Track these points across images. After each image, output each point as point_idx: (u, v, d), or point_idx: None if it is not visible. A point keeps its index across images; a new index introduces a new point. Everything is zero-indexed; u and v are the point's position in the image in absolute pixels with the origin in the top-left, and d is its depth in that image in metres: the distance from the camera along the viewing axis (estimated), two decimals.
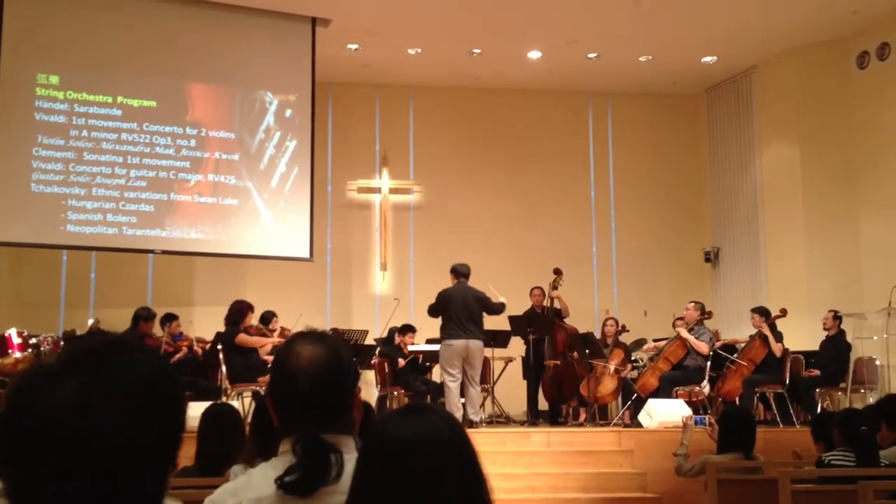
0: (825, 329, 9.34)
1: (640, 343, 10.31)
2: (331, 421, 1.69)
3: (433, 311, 8.55)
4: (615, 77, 12.03)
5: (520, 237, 12.12)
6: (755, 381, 8.81)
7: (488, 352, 9.30)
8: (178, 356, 8.63)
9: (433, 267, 11.23)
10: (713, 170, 12.51)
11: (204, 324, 9.36)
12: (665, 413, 8.07)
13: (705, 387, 8.86)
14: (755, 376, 8.85)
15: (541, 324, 9.61)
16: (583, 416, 9.59)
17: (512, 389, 10.22)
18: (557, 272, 9.68)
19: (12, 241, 9.32)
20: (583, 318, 10.83)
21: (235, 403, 6.92)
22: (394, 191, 12.15)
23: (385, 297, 11.74)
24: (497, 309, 8.69)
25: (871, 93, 10.54)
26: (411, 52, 11.09)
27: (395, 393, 9.38)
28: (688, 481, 5.75)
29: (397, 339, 9.79)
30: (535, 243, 12.01)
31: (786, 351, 8.94)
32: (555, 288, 9.70)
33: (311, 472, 1.60)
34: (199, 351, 8.85)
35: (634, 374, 9.51)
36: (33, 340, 8.01)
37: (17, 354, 7.81)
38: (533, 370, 9.65)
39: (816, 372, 9.21)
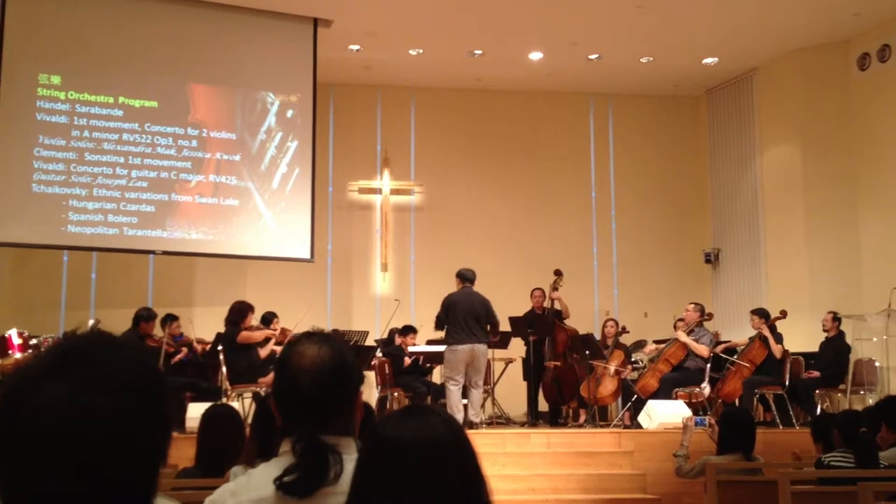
0: (825, 330, 9.34)
1: (640, 344, 10.32)
2: (333, 422, 1.69)
3: (440, 321, 8.44)
4: (616, 78, 12.02)
5: (520, 238, 12.12)
6: (755, 383, 8.82)
7: (489, 353, 9.30)
8: (178, 357, 8.63)
9: (434, 268, 11.25)
10: (714, 171, 12.50)
11: (204, 324, 9.35)
12: (665, 414, 8.07)
13: (705, 388, 8.86)
14: (755, 378, 8.86)
15: (541, 325, 9.61)
16: (583, 418, 9.59)
17: (512, 390, 10.23)
18: (558, 273, 9.69)
19: (13, 242, 9.32)
20: (583, 320, 10.85)
21: (235, 404, 6.92)
22: (395, 192, 12.15)
23: (386, 297, 11.74)
24: (495, 322, 8.60)
25: (872, 94, 10.54)
26: (413, 53, 11.09)
27: (396, 394, 9.38)
28: (688, 482, 5.76)
29: (398, 340, 9.78)
30: (535, 244, 12.01)
31: (786, 352, 8.95)
32: (555, 289, 9.71)
33: (309, 473, 1.61)
34: (200, 350, 8.84)
35: (634, 375, 9.51)
36: (34, 341, 7.99)
37: (18, 355, 7.79)
38: (533, 371, 9.66)
39: (816, 373, 9.21)
